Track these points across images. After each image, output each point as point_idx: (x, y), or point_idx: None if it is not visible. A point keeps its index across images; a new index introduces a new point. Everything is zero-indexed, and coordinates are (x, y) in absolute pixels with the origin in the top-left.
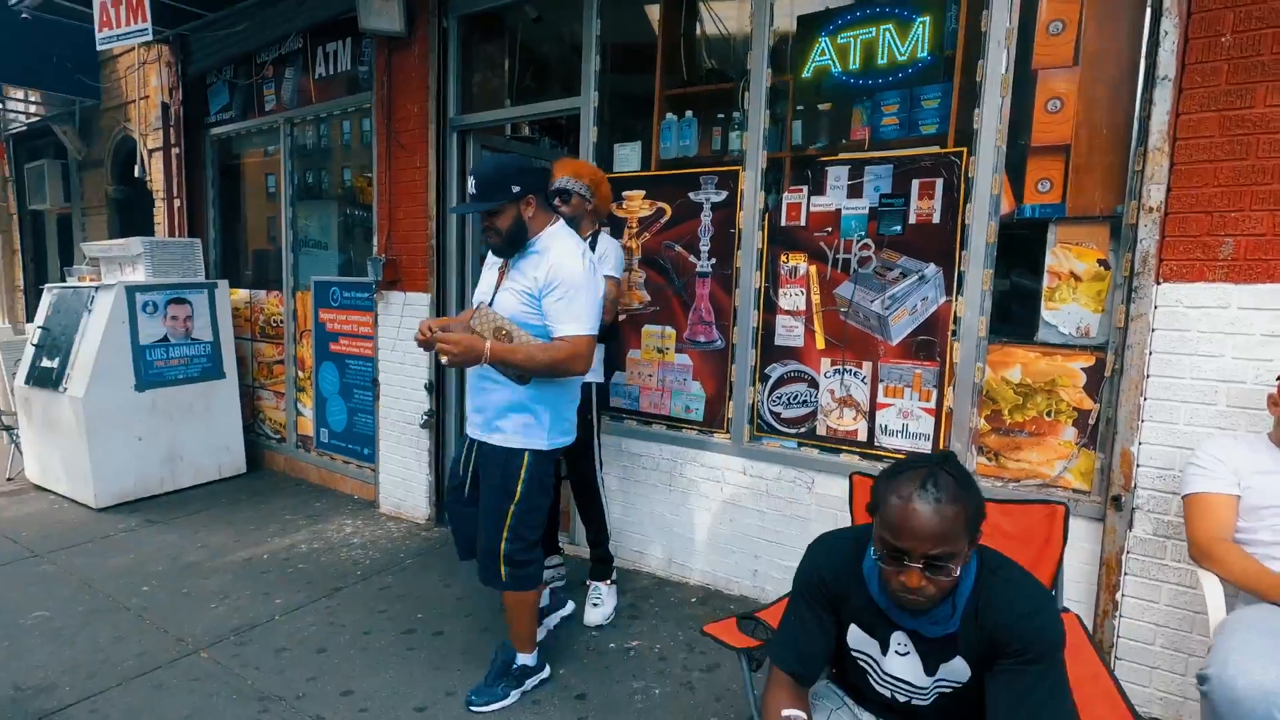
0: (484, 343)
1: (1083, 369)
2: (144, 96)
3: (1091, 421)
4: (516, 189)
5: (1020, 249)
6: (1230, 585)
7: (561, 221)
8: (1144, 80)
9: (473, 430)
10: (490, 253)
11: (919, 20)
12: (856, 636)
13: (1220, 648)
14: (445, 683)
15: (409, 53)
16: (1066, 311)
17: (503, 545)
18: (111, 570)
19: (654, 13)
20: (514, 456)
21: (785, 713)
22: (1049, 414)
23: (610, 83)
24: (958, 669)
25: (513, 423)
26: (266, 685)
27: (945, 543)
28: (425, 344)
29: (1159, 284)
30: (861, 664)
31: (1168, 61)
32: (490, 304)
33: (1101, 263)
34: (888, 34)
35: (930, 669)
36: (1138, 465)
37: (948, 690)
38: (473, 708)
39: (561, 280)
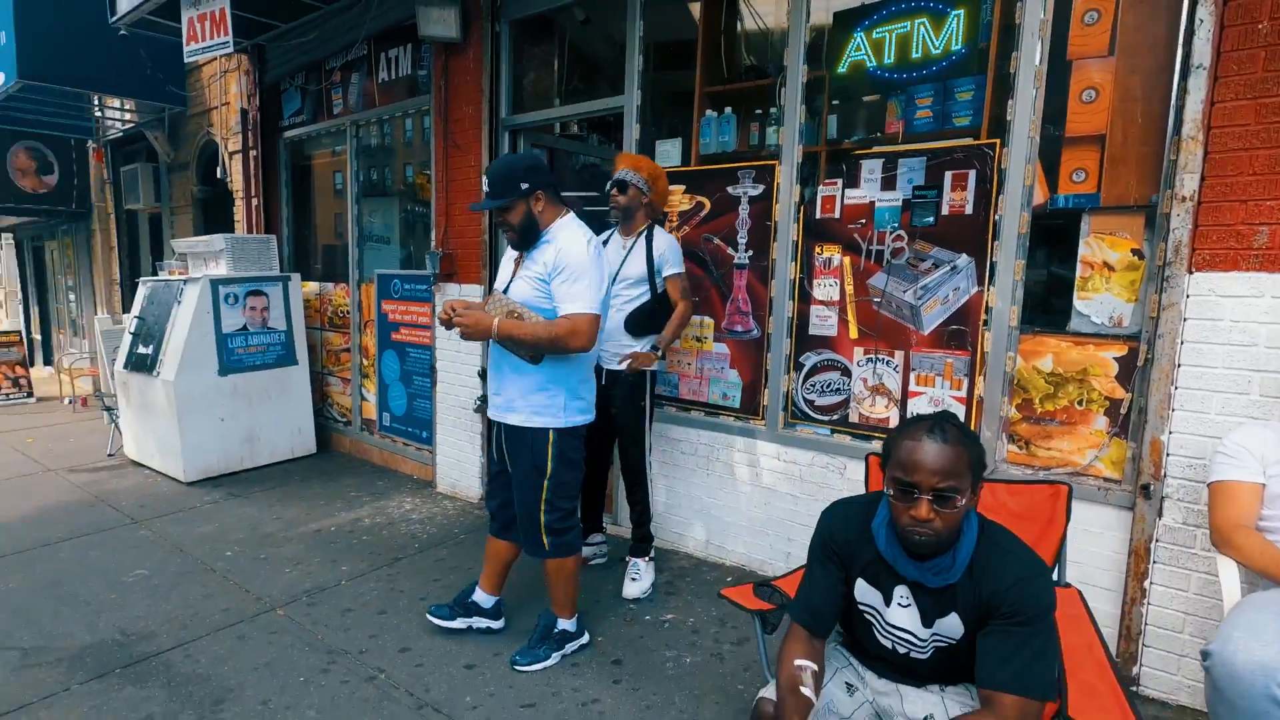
0: (493, 319)
1: (1115, 358)
2: (225, 103)
3: (1124, 411)
4: (525, 186)
5: (1053, 239)
6: (1250, 572)
7: (572, 214)
8: (1180, 68)
9: (494, 413)
10: (510, 246)
11: (953, 14)
12: (863, 589)
13: (1225, 625)
14: (492, 644)
15: (464, 57)
16: (1099, 301)
17: (542, 517)
18: (199, 537)
19: (695, 12)
20: (539, 436)
21: (797, 662)
22: (1080, 403)
23: (652, 81)
24: (952, 625)
25: (530, 403)
26: (334, 640)
27: (952, 477)
28: (446, 322)
29: (1191, 273)
30: (867, 616)
31: (1203, 49)
32: (505, 292)
33: (1135, 252)
34: (922, 28)
35: (927, 622)
36: (1168, 454)
37: (943, 646)
38: (517, 667)
39: (566, 264)
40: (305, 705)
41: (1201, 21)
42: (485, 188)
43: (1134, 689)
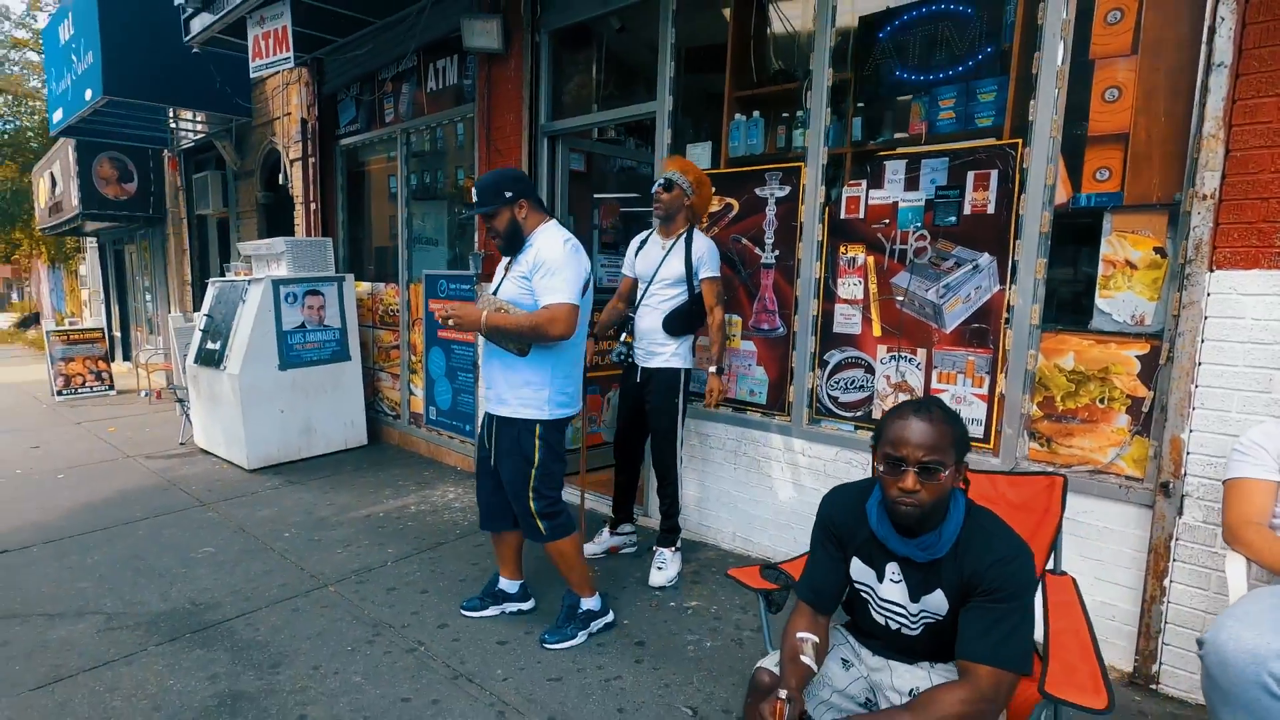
0: (482, 312)
1: (1137, 356)
2: (287, 114)
3: (1145, 409)
4: (510, 194)
5: (1075, 238)
6: (1260, 569)
7: (554, 221)
8: (1202, 66)
9: (488, 405)
10: (500, 252)
11: (977, 16)
12: (858, 568)
13: (1221, 615)
14: (523, 624)
15: (506, 67)
16: (1121, 299)
17: (531, 504)
18: (260, 519)
19: (725, 18)
20: (527, 428)
21: (799, 634)
22: (1102, 401)
23: (684, 86)
24: (937, 601)
25: (518, 396)
26: (379, 615)
27: (937, 451)
28: (444, 319)
29: (1212, 271)
30: (863, 594)
31: (1224, 47)
32: (494, 292)
33: (1158, 250)
34: (946, 30)
35: (915, 597)
36: (1188, 452)
37: (931, 622)
38: (546, 645)
39: (544, 261)
40: (351, 671)
41: (1223, 19)
42: (474, 197)
43: (1153, 687)
